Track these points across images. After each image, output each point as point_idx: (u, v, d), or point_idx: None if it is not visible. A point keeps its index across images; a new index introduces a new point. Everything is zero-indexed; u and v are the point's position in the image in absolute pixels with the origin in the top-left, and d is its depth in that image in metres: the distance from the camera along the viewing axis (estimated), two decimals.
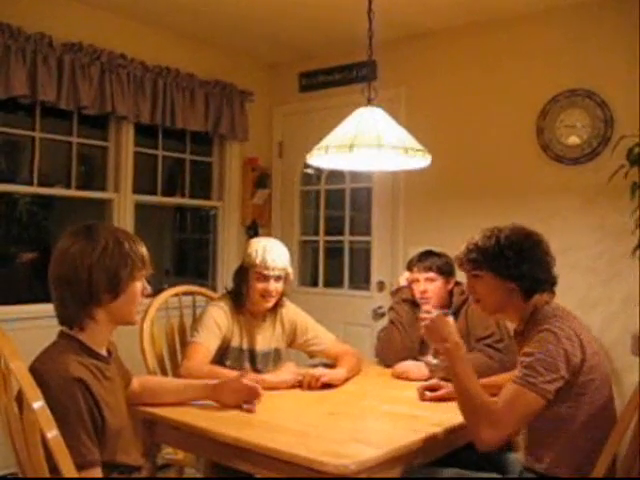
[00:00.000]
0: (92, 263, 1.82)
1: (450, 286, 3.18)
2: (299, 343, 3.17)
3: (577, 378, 2.02)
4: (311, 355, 3.23)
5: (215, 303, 3.05)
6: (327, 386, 2.74)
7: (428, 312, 2.37)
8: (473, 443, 2.07)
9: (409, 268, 3.25)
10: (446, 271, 3.15)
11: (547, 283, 2.22)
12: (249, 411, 2.35)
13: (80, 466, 1.65)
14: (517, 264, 2.19)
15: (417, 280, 3.16)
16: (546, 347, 2.01)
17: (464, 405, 2.10)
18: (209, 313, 2.95)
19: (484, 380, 2.37)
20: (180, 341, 3.25)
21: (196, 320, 3.04)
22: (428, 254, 3.21)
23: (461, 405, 2.12)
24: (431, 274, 3.13)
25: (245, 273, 2.99)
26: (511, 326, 2.41)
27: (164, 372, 3.13)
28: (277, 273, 2.94)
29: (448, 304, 3.13)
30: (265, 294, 2.95)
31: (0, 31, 3.62)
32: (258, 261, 2.92)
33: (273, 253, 2.95)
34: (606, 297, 3.76)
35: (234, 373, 2.60)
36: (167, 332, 3.24)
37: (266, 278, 2.93)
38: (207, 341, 2.84)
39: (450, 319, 2.29)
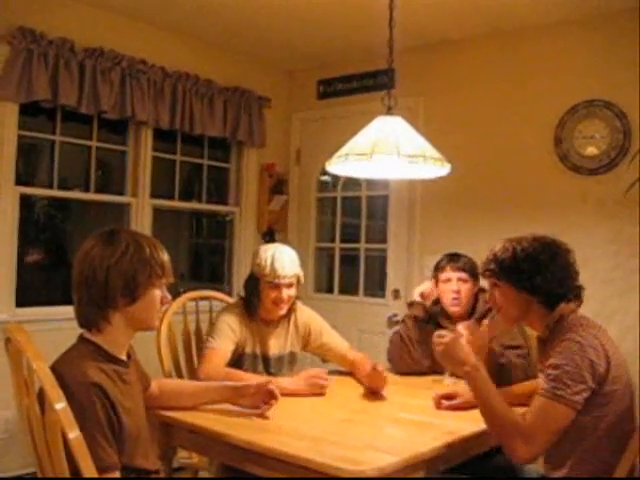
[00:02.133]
0: (110, 266, 1.82)
1: (476, 289, 3.17)
2: (313, 347, 3.17)
3: (602, 388, 2.00)
4: (325, 360, 3.23)
5: (228, 309, 3.05)
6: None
7: (440, 336, 2.32)
8: (487, 452, 2.07)
9: (438, 269, 3.20)
10: (475, 273, 3.13)
11: (569, 293, 2.19)
12: (262, 416, 2.35)
13: (98, 470, 1.65)
14: (532, 277, 2.17)
15: (449, 280, 3.13)
16: (571, 358, 1.99)
17: (493, 425, 2.07)
18: (222, 319, 2.95)
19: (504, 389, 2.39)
20: (197, 345, 3.26)
21: (210, 327, 3.04)
22: (456, 255, 3.19)
23: (490, 425, 2.09)
24: (464, 274, 3.11)
25: (256, 282, 2.97)
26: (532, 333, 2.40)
27: (180, 376, 3.14)
28: (288, 280, 2.94)
29: (472, 309, 3.12)
30: (277, 302, 2.94)
31: (23, 36, 3.67)
32: (268, 271, 2.90)
33: (282, 261, 2.93)
34: (622, 309, 3.74)
35: (250, 375, 2.62)
36: (184, 336, 3.26)
37: (277, 286, 2.92)
38: (223, 346, 2.85)
39: (462, 341, 2.26)
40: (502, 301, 2.28)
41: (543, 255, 2.19)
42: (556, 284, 2.17)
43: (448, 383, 2.76)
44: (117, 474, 1.74)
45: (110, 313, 1.86)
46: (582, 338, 2.02)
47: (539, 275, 2.16)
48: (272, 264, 2.90)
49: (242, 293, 3.12)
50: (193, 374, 3.17)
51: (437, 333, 2.35)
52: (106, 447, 1.71)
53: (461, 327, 2.57)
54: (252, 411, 2.37)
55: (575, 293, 2.22)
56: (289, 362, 3.11)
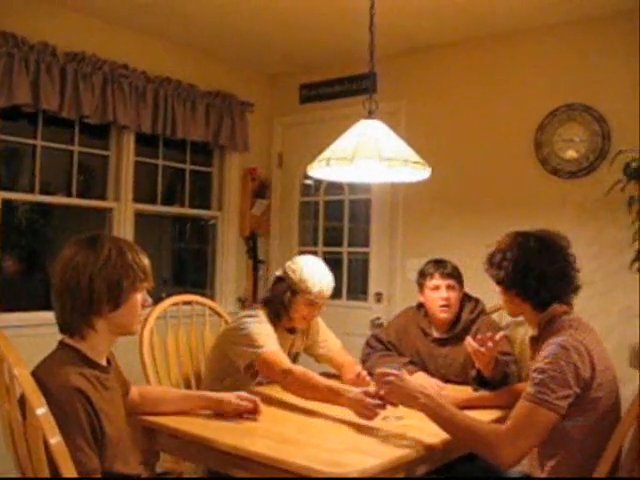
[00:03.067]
0: (94, 272, 1.82)
1: (461, 295, 3.15)
2: (309, 344, 3.19)
3: (586, 394, 2.02)
4: (317, 359, 3.23)
5: (255, 318, 2.90)
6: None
7: (383, 375, 2.26)
8: (472, 455, 2.08)
9: (425, 276, 3.14)
10: (461, 279, 3.15)
11: (562, 293, 2.21)
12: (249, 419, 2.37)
13: (80, 474, 1.65)
14: (519, 278, 2.19)
15: (437, 287, 3.09)
16: (557, 363, 1.99)
17: (467, 441, 2.09)
18: (256, 326, 2.82)
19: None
20: (179, 352, 3.25)
21: (243, 338, 2.81)
22: (442, 261, 3.16)
23: (465, 442, 2.11)
24: (452, 281, 3.09)
25: (293, 295, 2.91)
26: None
27: (161, 381, 3.12)
28: (325, 301, 2.95)
29: (457, 316, 3.10)
30: (309, 318, 2.97)
31: (4, 40, 3.65)
32: (315, 290, 2.87)
33: (328, 283, 2.93)
34: (604, 309, 3.76)
35: (353, 389, 2.47)
36: (165, 341, 3.24)
37: (316, 305, 2.93)
38: (277, 349, 2.76)
39: (404, 373, 2.26)
40: (501, 298, 2.31)
41: (530, 255, 2.20)
42: (542, 285, 2.18)
43: (395, 424, 2.41)
44: (98, 478, 1.73)
45: (94, 319, 1.85)
46: (568, 343, 2.03)
47: (525, 275, 2.18)
48: (320, 285, 2.89)
49: (265, 297, 3.06)
50: (174, 380, 3.17)
51: (379, 371, 2.28)
52: (88, 451, 1.70)
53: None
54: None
55: (570, 292, 2.22)
56: (292, 362, 3.10)
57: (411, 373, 2.87)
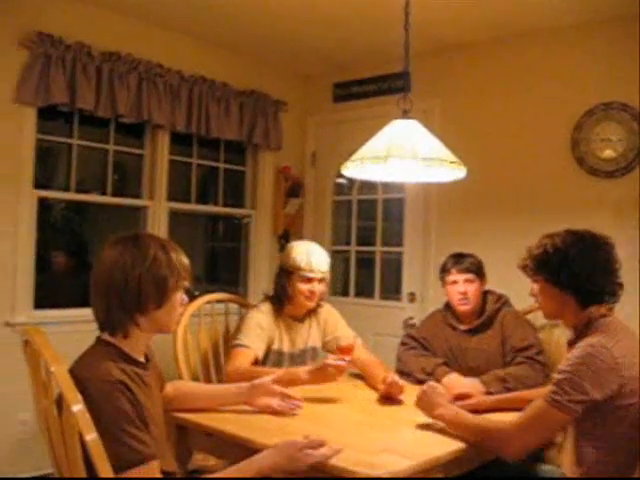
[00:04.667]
0: (142, 272, 1.83)
1: (483, 287, 3.18)
2: (326, 340, 3.21)
3: (612, 402, 1.99)
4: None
5: (256, 308, 3.12)
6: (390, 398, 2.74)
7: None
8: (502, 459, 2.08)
9: (444, 272, 3.22)
10: (481, 273, 3.16)
11: (603, 292, 2.17)
12: (283, 412, 2.39)
13: (139, 461, 1.66)
14: (559, 270, 2.17)
15: (455, 282, 3.14)
16: (577, 366, 1.99)
17: (481, 437, 2.14)
18: (251, 317, 3.03)
19: (520, 393, 2.40)
20: (212, 349, 3.28)
21: (238, 326, 3.08)
22: (461, 256, 3.20)
23: (479, 439, 2.15)
24: (470, 275, 3.12)
25: (288, 276, 3.06)
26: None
27: (196, 378, 3.15)
28: (321, 275, 3.06)
29: (482, 308, 3.12)
30: (310, 295, 3.04)
31: (41, 41, 3.71)
32: (304, 264, 3.02)
33: (317, 256, 3.06)
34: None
35: (271, 371, 2.68)
36: (199, 339, 3.27)
37: (311, 280, 3.03)
38: (250, 344, 2.91)
39: (439, 387, 2.38)
40: (540, 297, 2.29)
41: (572, 249, 2.18)
42: (584, 279, 2.15)
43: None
44: (157, 463, 1.72)
45: (138, 318, 1.87)
46: (593, 348, 2.01)
47: (566, 268, 2.16)
48: (308, 258, 3.02)
49: (267, 291, 3.23)
50: (208, 376, 3.20)
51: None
52: (142, 437, 1.69)
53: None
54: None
55: (611, 291, 2.18)
56: (311, 357, 3.17)
57: (445, 374, 2.91)
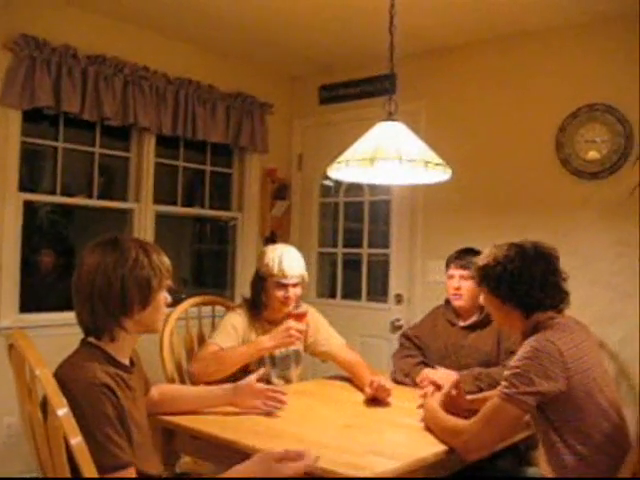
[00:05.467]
0: (125, 274, 1.83)
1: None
2: (309, 343, 3.21)
3: (570, 392, 2.04)
4: (321, 358, 3.26)
5: (232, 310, 3.13)
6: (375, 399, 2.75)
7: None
8: (489, 459, 2.09)
9: (446, 264, 3.27)
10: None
11: (547, 302, 2.22)
12: (270, 413, 2.41)
13: (115, 467, 1.66)
14: (500, 284, 2.24)
15: (452, 276, 3.19)
16: (524, 362, 2.06)
17: (444, 435, 2.20)
18: (226, 318, 3.05)
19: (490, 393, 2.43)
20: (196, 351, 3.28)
21: (214, 326, 3.13)
22: (467, 252, 3.20)
23: (443, 437, 2.21)
24: (465, 272, 3.12)
25: (263, 282, 3.05)
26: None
27: (182, 380, 3.14)
28: (295, 280, 3.02)
29: (477, 307, 3.12)
30: (285, 301, 3.01)
31: (26, 43, 3.69)
32: (276, 270, 2.98)
33: (290, 261, 3.02)
34: (626, 312, 3.74)
35: (236, 347, 2.88)
36: (186, 341, 3.27)
37: (285, 286, 3.00)
38: (220, 342, 2.92)
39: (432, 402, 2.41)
40: (487, 306, 2.38)
41: (511, 263, 2.23)
42: (523, 292, 2.21)
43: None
44: (133, 470, 1.72)
45: (124, 321, 1.87)
46: (539, 343, 2.08)
47: (505, 282, 2.23)
48: (280, 264, 2.99)
49: (246, 295, 3.19)
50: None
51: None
52: (120, 443, 1.70)
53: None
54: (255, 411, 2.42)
55: (555, 301, 2.23)
56: (294, 361, 3.17)
57: (418, 373, 3.03)
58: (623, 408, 2.19)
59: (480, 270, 2.32)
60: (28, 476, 3.59)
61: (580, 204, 3.96)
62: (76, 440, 1.57)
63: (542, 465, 2.19)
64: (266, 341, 2.87)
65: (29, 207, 4.01)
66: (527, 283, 2.20)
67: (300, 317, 2.90)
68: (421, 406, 2.50)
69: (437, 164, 2.58)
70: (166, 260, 1.96)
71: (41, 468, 1.73)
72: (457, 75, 4.54)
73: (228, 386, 2.48)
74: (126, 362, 1.94)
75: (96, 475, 1.60)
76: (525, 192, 4.19)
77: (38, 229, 4.56)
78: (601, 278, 3.83)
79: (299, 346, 3.18)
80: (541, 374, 2.01)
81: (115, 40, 4.21)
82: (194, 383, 2.84)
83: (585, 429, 2.04)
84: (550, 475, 2.12)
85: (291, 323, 2.87)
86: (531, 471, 2.48)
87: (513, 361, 2.10)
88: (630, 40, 3.77)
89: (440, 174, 2.64)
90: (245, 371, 2.95)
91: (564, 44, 4.08)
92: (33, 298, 4.03)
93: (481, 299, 2.40)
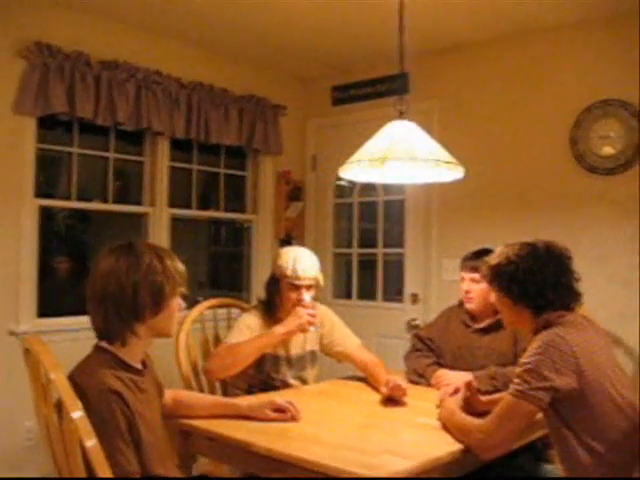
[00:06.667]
0: (137, 280, 1.85)
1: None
2: (324, 343, 3.21)
3: (582, 389, 2.02)
4: (336, 358, 3.25)
5: (248, 312, 3.15)
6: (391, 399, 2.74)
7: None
8: (507, 457, 2.08)
9: (460, 265, 3.24)
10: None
11: (558, 302, 2.20)
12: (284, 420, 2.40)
13: (119, 477, 1.67)
14: (511, 284, 2.23)
15: (463, 279, 3.16)
16: (535, 357, 2.05)
17: (460, 435, 2.19)
18: (241, 319, 3.07)
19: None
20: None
21: (229, 328, 3.14)
22: (481, 253, 3.10)
23: (459, 436, 2.20)
24: (476, 275, 3.05)
25: (277, 284, 3.06)
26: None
27: (198, 383, 3.15)
28: (308, 282, 3.02)
29: (491, 310, 3.07)
30: (298, 302, 3.00)
31: (39, 50, 3.72)
32: (289, 272, 2.99)
33: (304, 263, 3.02)
34: None
35: (253, 340, 2.90)
36: (202, 343, 3.28)
37: (298, 287, 3.00)
38: (236, 341, 2.92)
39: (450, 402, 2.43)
40: (497, 305, 2.37)
41: (523, 263, 2.23)
42: (533, 293, 2.20)
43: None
44: None
45: (136, 326, 1.88)
46: (549, 338, 2.07)
47: (516, 282, 2.22)
48: (294, 266, 2.99)
49: (262, 297, 3.19)
50: (210, 381, 3.20)
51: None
52: (126, 453, 1.72)
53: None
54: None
55: (566, 301, 2.22)
56: (311, 361, 3.18)
57: (433, 373, 3.02)
58: None
59: (491, 269, 2.31)
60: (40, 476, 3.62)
61: (596, 201, 3.93)
62: (91, 443, 1.59)
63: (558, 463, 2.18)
64: (278, 328, 2.91)
65: (46, 213, 4.04)
66: (539, 283, 2.19)
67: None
68: (439, 405, 2.49)
69: (449, 163, 2.57)
70: (180, 266, 1.96)
71: (57, 471, 1.75)
72: (470, 73, 4.53)
73: (241, 405, 2.45)
74: (138, 365, 1.95)
75: (111, 476, 1.61)
76: (540, 189, 4.17)
77: (55, 234, 4.60)
78: (619, 275, 3.80)
79: (315, 346, 3.19)
80: (552, 369, 2.00)
81: (127, 45, 4.23)
82: (210, 380, 2.85)
83: (599, 426, 2.02)
84: (565, 473, 2.11)
85: (300, 310, 2.92)
86: (549, 469, 2.46)
87: (524, 357, 2.10)
88: None
89: (452, 173, 2.63)
90: (260, 370, 2.96)
91: (577, 40, 4.05)
92: (51, 303, 4.06)
93: (492, 297, 2.39)
